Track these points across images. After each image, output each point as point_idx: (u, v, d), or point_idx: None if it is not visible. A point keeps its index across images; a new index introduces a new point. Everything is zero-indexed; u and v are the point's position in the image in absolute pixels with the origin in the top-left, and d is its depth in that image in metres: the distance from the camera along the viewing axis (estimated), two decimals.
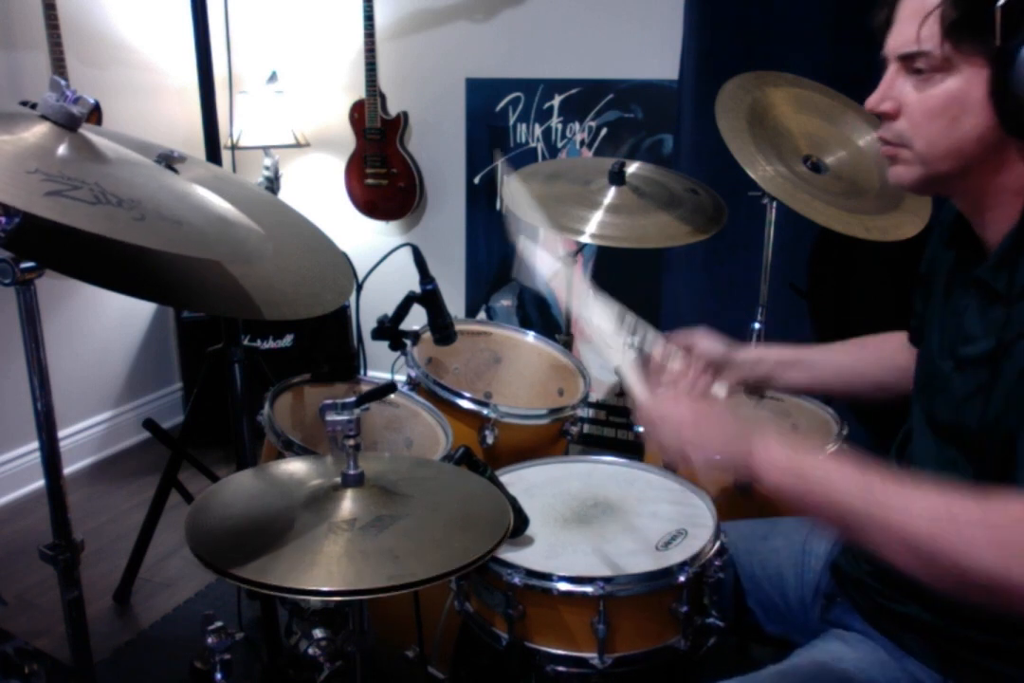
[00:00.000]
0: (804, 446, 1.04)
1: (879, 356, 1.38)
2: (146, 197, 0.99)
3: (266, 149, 3.02)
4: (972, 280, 1.04)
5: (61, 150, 0.99)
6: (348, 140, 3.18)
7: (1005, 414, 0.96)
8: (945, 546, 0.86)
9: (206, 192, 1.11)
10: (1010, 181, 0.99)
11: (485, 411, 1.81)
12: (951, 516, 0.87)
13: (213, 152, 1.89)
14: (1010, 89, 0.90)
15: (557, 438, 1.95)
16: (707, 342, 1.36)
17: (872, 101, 1.03)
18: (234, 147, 3.13)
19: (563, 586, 1.22)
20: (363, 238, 3.33)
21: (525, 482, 1.49)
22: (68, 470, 2.87)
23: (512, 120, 3.02)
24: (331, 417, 1.17)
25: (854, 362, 1.39)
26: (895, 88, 1.01)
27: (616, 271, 3.02)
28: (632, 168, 2.11)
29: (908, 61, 0.99)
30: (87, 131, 1.07)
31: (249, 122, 3.10)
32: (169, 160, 1.14)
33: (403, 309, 1.85)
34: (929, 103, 0.98)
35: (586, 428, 3.11)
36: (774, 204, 2.02)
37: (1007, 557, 0.83)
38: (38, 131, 1.01)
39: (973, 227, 1.07)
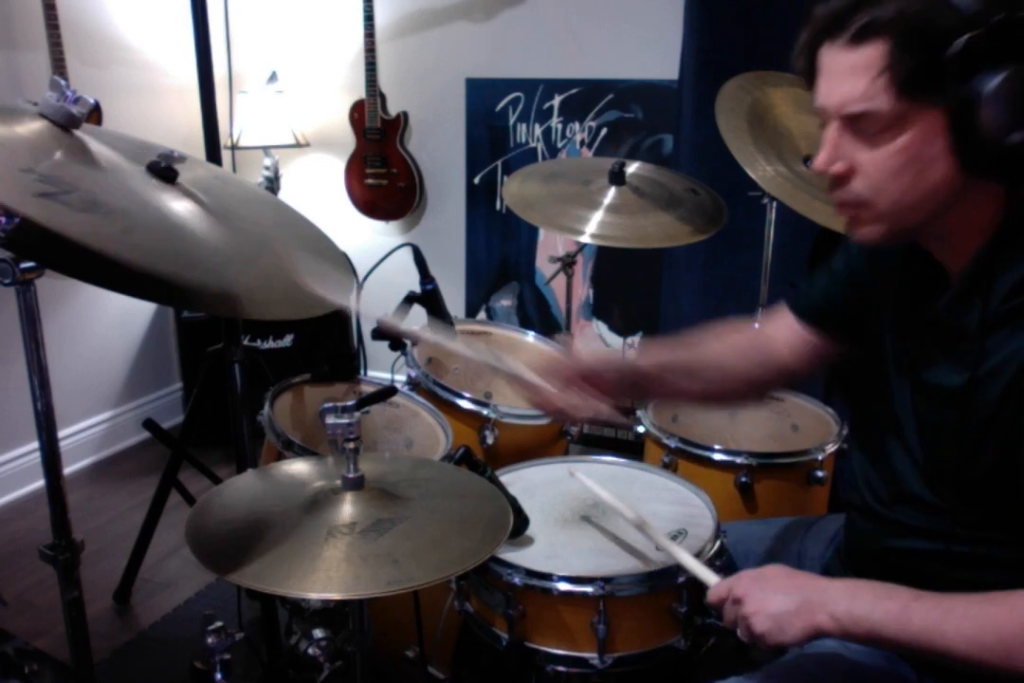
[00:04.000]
0: (862, 596, 0.99)
1: (748, 345, 1.31)
2: (135, 210, 0.99)
3: (266, 149, 3.03)
4: (932, 312, 1.03)
5: (56, 152, 0.99)
6: (348, 140, 3.18)
7: (979, 452, 0.97)
8: (1008, 666, 0.90)
9: (190, 211, 1.11)
10: (974, 217, 0.97)
11: (485, 411, 1.81)
12: (999, 639, 0.90)
13: (213, 152, 1.89)
14: (975, 135, 0.87)
15: (557, 438, 1.95)
16: (598, 357, 1.28)
17: (820, 163, 0.98)
18: (234, 147, 3.13)
19: (563, 586, 1.22)
20: (363, 238, 3.33)
21: (525, 482, 1.49)
22: (68, 470, 2.87)
23: (512, 120, 3.02)
24: (331, 420, 1.17)
25: (735, 363, 1.30)
26: (843, 147, 0.96)
27: (616, 271, 3.02)
28: (632, 168, 2.11)
29: (855, 120, 0.93)
30: (85, 132, 1.07)
31: (249, 122, 3.10)
32: (169, 160, 1.13)
33: (403, 309, 1.85)
34: (888, 163, 0.93)
35: (586, 428, 3.11)
36: (774, 204, 2.02)
37: None
38: (35, 128, 1.01)
39: (932, 254, 1.05)
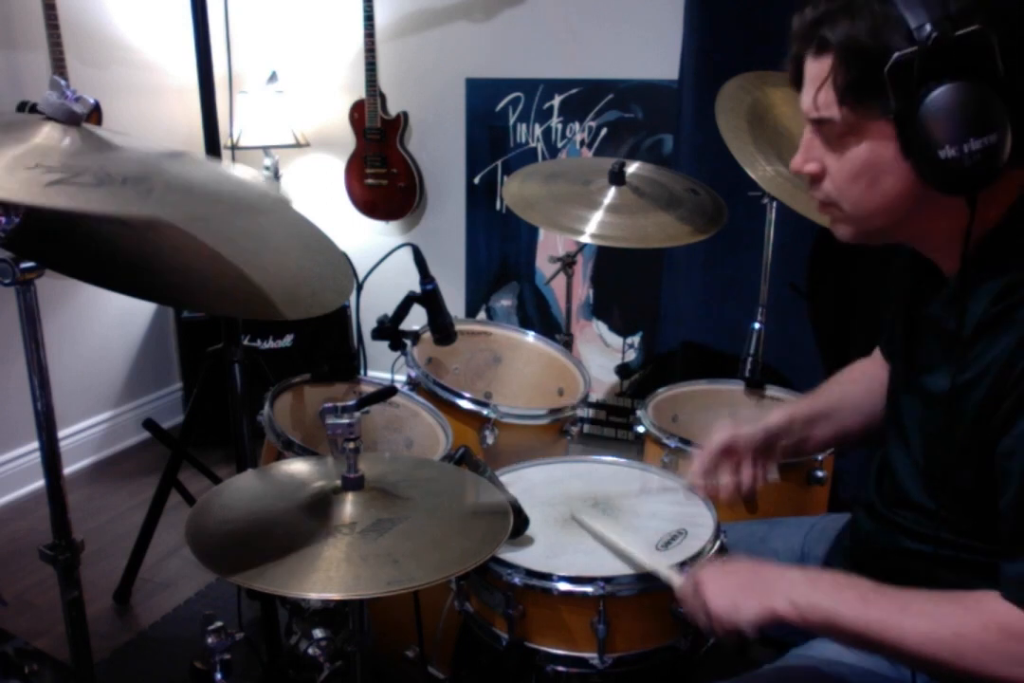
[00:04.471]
0: (819, 584, 1.01)
1: (878, 386, 1.31)
2: (153, 173, 0.98)
3: (266, 149, 3.03)
4: (928, 315, 1.05)
5: (64, 143, 0.99)
6: (348, 140, 3.18)
7: (966, 458, 0.97)
8: (957, 665, 0.91)
9: (220, 167, 1.10)
10: (944, 227, 0.98)
11: (485, 411, 1.81)
12: (954, 635, 0.91)
13: (213, 152, 1.89)
14: (919, 147, 0.89)
15: (557, 438, 1.95)
16: (739, 435, 1.32)
17: (796, 163, 1.03)
18: (234, 147, 3.13)
19: (563, 586, 1.22)
20: (363, 238, 3.33)
21: (525, 482, 1.49)
22: (68, 470, 2.87)
23: (512, 120, 3.02)
24: (331, 420, 1.17)
25: (863, 400, 1.34)
26: (815, 149, 1.01)
27: (616, 271, 3.02)
28: (632, 168, 2.11)
29: (818, 126, 0.99)
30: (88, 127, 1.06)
31: (249, 122, 3.09)
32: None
33: (403, 309, 1.85)
34: (846, 167, 0.98)
35: (586, 428, 3.11)
36: (774, 204, 2.02)
37: (1015, 665, 0.89)
38: (42, 133, 1.00)
39: (928, 256, 1.07)
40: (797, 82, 1.01)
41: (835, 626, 0.97)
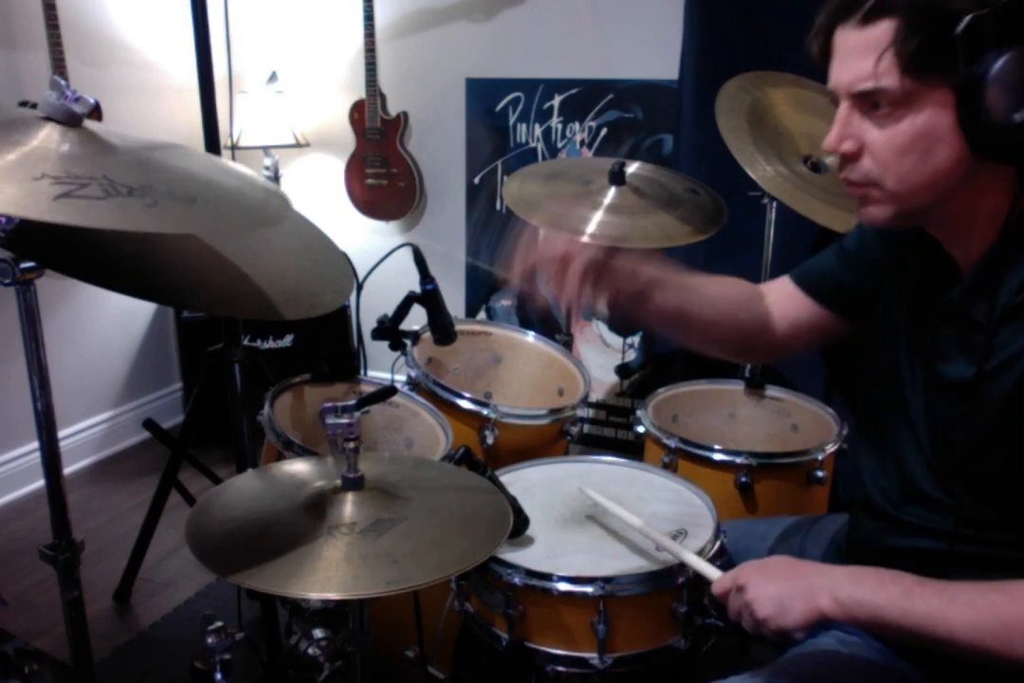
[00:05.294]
0: (865, 581, 0.99)
1: (746, 298, 1.30)
2: (157, 180, 0.98)
3: (266, 149, 3.03)
4: (945, 303, 1.03)
5: (65, 148, 0.99)
6: (348, 140, 3.17)
7: (991, 446, 0.97)
8: (1008, 654, 0.90)
9: (219, 163, 1.10)
10: (985, 204, 0.97)
11: (485, 411, 1.81)
12: (1003, 625, 0.90)
13: (213, 152, 1.89)
14: (981, 114, 0.87)
15: (557, 438, 1.95)
16: (579, 244, 1.20)
17: (831, 141, 0.99)
18: (234, 147, 3.13)
19: (563, 586, 1.22)
20: (363, 238, 3.33)
21: (525, 482, 1.49)
22: (68, 470, 2.87)
23: (512, 120, 3.02)
24: (331, 420, 1.17)
25: (722, 299, 1.30)
26: (853, 126, 0.97)
27: None
28: (632, 168, 2.11)
29: (864, 99, 0.95)
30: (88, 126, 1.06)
31: (249, 122, 3.09)
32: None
33: (403, 309, 1.85)
34: (896, 140, 0.94)
35: (586, 428, 3.11)
36: (774, 204, 2.02)
37: None
38: (41, 134, 1.00)
39: (943, 245, 1.05)
40: (824, 56, 0.98)
41: (882, 622, 0.96)
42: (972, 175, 0.94)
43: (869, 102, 0.95)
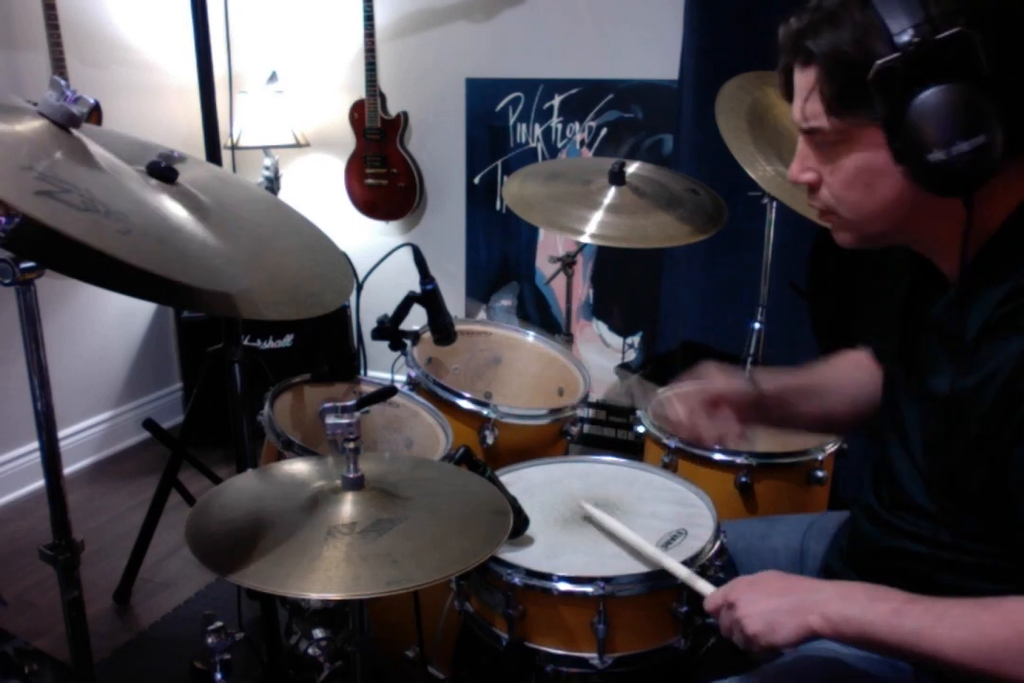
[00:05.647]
0: (855, 598, 0.99)
1: (869, 375, 1.32)
2: (133, 211, 0.99)
3: (266, 149, 3.03)
4: (932, 317, 1.05)
5: (56, 151, 0.99)
6: (348, 140, 3.18)
7: (973, 462, 0.97)
8: (996, 673, 0.89)
9: (187, 214, 1.11)
10: (945, 229, 0.98)
11: (485, 411, 1.81)
12: (991, 645, 0.90)
13: (213, 152, 1.89)
14: (909, 152, 0.90)
15: (557, 438, 1.95)
16: (729, 383, 1.31)
17: (793, 173, 1.04)
18: (234, 147, 3.13)
19: (563, 586, 1.22)
20: (363, 238, 3.33)
21: (525, 482, 1.49)
22: (68, 470, 2.87)
23: (512, 120, 3.02)
24: (331, 420, 1.17)
25: (851, 386, 1.33)
26: (810, 159, 1.02)
27: (616, 271, 3.02)
28: (632, 168, 2.11)
29: (813, 135, 0.99)
30: (85, 132, 1.06)
31: (249, 122, 3.10)
32: (169, 160, 1.13)
33: (403, 309, 1.85)
34: (840, 175, 0.98)
35: (586, 428, 3.11)
36: (774, 204, 2.02)
37: None
38: (35, 127, 1.00)
39: (929, 258, 1.06)
40: (788, 92, 1.02)
41: (870, 639, 0.96)
42: (923, 203, 0.95)
43: (815, 139, 1.00)
